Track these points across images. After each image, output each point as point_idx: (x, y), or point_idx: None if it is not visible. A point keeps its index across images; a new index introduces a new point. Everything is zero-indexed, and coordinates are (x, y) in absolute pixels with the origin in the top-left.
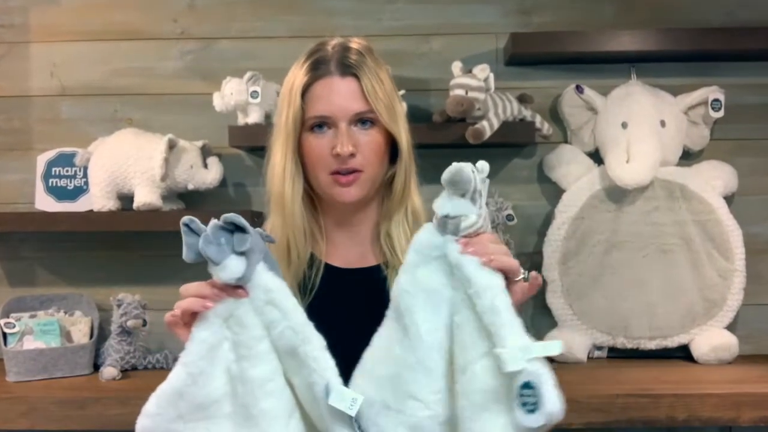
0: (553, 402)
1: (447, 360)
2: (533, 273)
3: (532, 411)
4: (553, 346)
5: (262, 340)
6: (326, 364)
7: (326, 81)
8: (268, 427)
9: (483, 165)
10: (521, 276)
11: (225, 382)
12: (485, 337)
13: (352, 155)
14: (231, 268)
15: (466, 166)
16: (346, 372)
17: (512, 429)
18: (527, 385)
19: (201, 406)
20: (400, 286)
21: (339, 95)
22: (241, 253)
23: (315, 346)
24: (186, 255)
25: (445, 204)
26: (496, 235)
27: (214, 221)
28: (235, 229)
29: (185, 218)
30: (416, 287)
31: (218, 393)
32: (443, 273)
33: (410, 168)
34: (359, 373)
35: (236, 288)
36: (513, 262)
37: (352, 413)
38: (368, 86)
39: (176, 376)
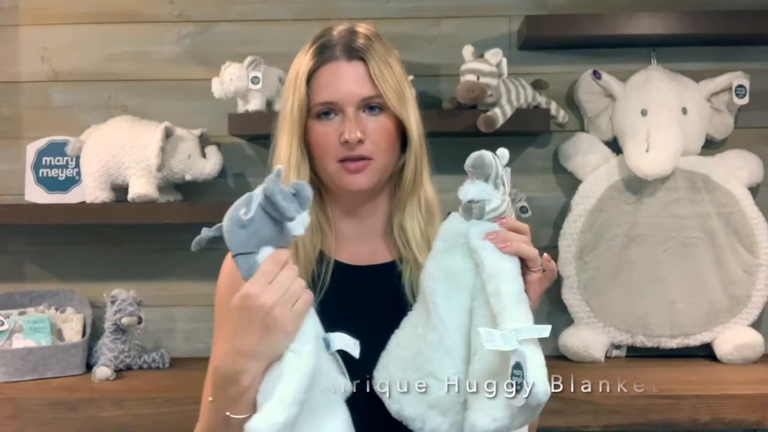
0: (535, 382)
1: (467, 342)
2: (545, 255)
3: (517, 391)
4: (542, 329)
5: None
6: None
7: (332, 66)
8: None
9: (503, 152)
10: (539, 267)
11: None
12: (493, 322)
13: (361, 141)
14: (304, 219)
15: (487, 152)
16: (363, 372)
17: (505, 408)
18: (517, 366)
19: None
20: (426, 271)
21: (345, 80)
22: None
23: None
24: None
25: (468, 189)
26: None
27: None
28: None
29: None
30: (439, 271)
31: None
32: (468, 258)
33: (421, 156)
34: (386, 354)
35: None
36: (530, 249)
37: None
38: (375, 70)
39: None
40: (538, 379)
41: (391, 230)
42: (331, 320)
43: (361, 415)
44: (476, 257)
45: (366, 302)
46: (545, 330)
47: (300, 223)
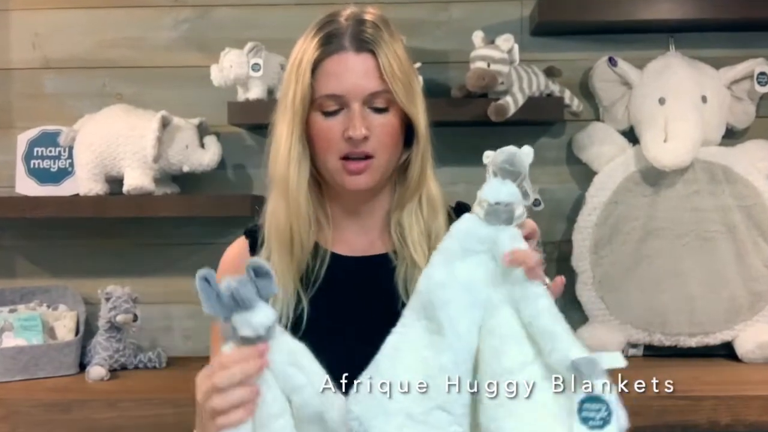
0: (624, 416)
1: (473, 367)
2: (557, 279)
3: (599, 426)
4: (615, 357)
5: (280, 417)
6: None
7: (339, 57)
8: None
9: (530, 150)
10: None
11: None
12: (529, 345)
13: (365, 138)
14: (264, 312)
15: (519, 150)
16: (351, 365)
17: None
18: (593, 399)
19: None
20: (433, 279)
21: (353, 73)
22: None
23: (340, 410)
24: (206, 308)
25: (499, 189)
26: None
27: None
28: (257, 274)
29: (203, 272)
30: (453, 281)
31: None
32: (484, 269)
33: (427, 152)
34: (377, 378)
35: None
36: (542, 275)
37: None
38: (385, 64)
39: None
40: (624, 413)
41: (389, 224)
42: (322, 310)
43: None
44: (509, 270)
45: (357, 292)
46: (620, 359)
47: (257, 314)
